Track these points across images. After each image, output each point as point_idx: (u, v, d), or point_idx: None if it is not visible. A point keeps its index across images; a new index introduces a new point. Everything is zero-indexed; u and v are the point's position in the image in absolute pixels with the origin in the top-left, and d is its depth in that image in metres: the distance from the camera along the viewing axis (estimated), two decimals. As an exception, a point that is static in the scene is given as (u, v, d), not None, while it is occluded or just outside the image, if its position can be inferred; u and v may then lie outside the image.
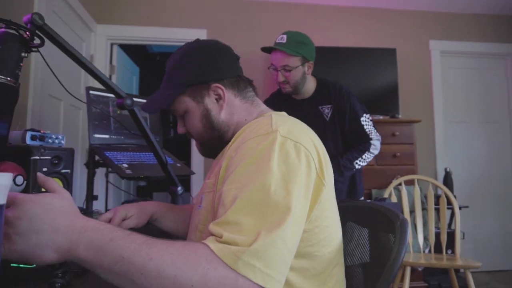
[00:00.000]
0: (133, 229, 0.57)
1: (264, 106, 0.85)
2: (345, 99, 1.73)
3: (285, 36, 1.63)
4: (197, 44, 0.84)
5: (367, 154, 1.71)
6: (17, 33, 0.79)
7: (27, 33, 0.81)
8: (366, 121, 1.74)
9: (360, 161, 1.70)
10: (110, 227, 0.52)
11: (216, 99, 0.80)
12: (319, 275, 0.67)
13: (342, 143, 1.78)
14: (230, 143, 0.69)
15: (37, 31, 0.83)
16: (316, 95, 1.78)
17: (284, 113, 0.81)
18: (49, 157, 1.09)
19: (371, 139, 1.72)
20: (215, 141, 0.82)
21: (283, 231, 0.52)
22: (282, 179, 0.57)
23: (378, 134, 1.76)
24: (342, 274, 0.74)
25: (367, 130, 1.73)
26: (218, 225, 0.54)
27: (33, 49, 0.84)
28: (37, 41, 0.85)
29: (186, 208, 1.07)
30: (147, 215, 0.94)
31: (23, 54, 0.80)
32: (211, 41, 0.85)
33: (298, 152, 0.61)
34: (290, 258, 0.55)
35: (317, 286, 0.66)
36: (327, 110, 1.75)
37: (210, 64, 0.80)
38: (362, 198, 1.90)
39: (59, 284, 0.50)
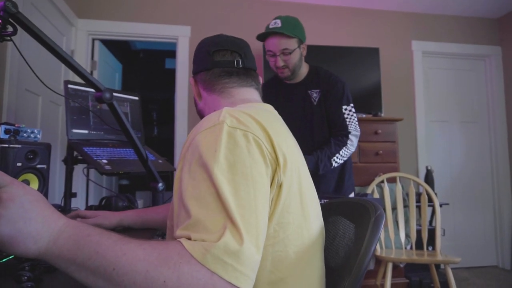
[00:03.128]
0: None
1: (237, 97, 0.84)
2: (333, 83, 1.73)
3: (279, 21, 1.63)
4: (201, 40, 0.93)
5: (345, 150, 1.69)
6: (-12, 20, 0.76)
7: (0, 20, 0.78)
8: (348, 111, 1.72)
9: (337, 157, 1.68)
10: (89, 225, 0.52)
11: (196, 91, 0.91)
12: (286, 279, 0.62)
13: (328, 128, 1.77)
14: (186, 140, 0.67)
15: (10, 19, 0.80)
16: (307, 80, 1.79)
17: (257, 105, 0.80)
18: (18, 146, 1.05)
19: (349, 132, 1.71)
20: None
21: (244, 225, 0.51)
22: (230, 172, 0.55)
23: (359, 130, 1.74)
24: (316, 277, 0.68)
25: (347, 120, 1.72)
26: (184, 229, 0.53)
27: (6, 37, 0.81)
28: (10, 30, 0.82)
29: (159, 211, 1.08)
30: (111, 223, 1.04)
31: (-6, 42, 0.77)
32: (206, 38, 0.92)
33: (248, 141, 0.59)
34: (260, 254, 0.53)
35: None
36: (315, 94, 1.76)
37: (194, 59, 0.92)
38: (352, 194, 1.90)
39: (26, 277, 0.48)
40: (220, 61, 0.85)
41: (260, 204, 0.56)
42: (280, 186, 0.61)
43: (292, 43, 1.64)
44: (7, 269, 0.58)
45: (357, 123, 1.74)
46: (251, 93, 0.86)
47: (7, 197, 0.46)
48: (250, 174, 0.56)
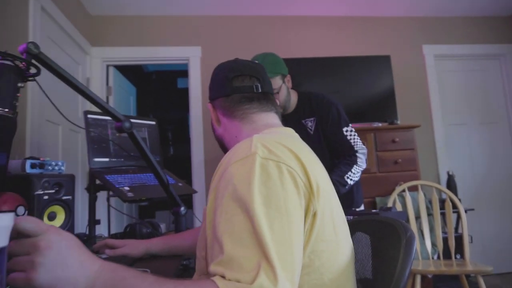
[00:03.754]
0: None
1: (260, 123, 0.83)
2: (327, 108, 1.70)
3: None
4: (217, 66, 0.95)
5: (356, 168, 1.65)
6: (13, 64, 0.79)
7: (23, 63, 0.81)
8: (349, 132, 1.69)
9: (350, 175, 1.63)
10: (124, 267, 0.53)
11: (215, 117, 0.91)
12: None
13: (329, 156, 1.74)
14: (216, 170, 0.67)
15: (32, 60, 0.83)
16: (298, 109, 1.76)
17: (279, 130, 0.80)
18: (52, 191, 1.08)
19: (356, 151, 1.68)
20: (223, 149, 0.93)
21: (280, 265, 0.50)
22: (265, 205, 0.54)
23: (364, 147, 1.70)
24: None
25: (351, 141, 1.68)
26: (218, 265, 0.53)
27: (29, 78, 0.84)
28: (33, 70, 0.85)
29: (186, 237, 1.09)
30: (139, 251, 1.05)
31: (19, 85, 0.80)
32: (225, 62, 0.93)
33: (281, 172, 0.58)
34: (293, 285, 0.53)
35: None
36: (310, 123, 1.73)
37: (211, 85, 0.92)
38: (362, 207, 1.86)
39: None
40: (239, 86, 0.85)
41: (295, 238, 0.55)
42: (314, 214, 0.61)
43: (276, 82, 1.63)
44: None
45: (360, 141, 1.71)
46: (272, 118, 0.85)
47: (45, 245, 0.47)
48: (284, 207, 0.56)
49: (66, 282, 0.47)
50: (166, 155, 4.75)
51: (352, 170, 1.64)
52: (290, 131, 0.82)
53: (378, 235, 0.81)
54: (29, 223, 0.48)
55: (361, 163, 1.67)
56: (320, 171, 0.68)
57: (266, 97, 0.86)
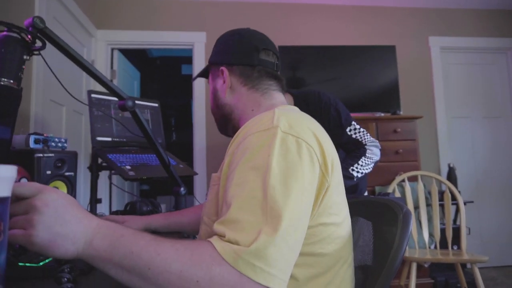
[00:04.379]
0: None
1: (278, 100, 0.84)
2: (325, 111, 1.65)
3: None
4: (233, 30, 0.90)
5: (364, 160, 1.63)
6: (19, 36, 0.80)
7: (29, 36, 0.82)
8: (353, 130, 1.66)
9: (357, 167, 1.61)
10: (121, 226, 0.54)
11: (224, 82, 0.86)
12: (325, 273, 0.66)
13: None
14: (233, 138, 0.69)
15: (38, 34, 0.84)
16: None
17: (295, 107, 0.81)
18: (51, 155, 1.09)
19: (365, 144, 1.65)
20: (222, 120, 0.89)
21: (283, 229, 0.52)
22: (282, 176, 0.56)
23: (374, 140, 1.67)
24: (349, 273, 0.72)
25: (358, 138, 1.65)
26: (221, 224, 0.54)
27: (35, 52, 0.85)
28: (38, 44, 0.86)
29: (186, 214, 1.10)
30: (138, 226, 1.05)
31: (25, 57, 0.81)
32: (243, 29, 0.90)
33: (300, 147, 0.60)
34: (292, 256, 0.54)
35: (323, 284, 0.66)
36: None
37: (228, 49, 0.86)
38: (366, 194, 1.87)
39: (65, 279, 0.50)
40: (265, 60, 0.85)
41: (302, 214, 0.57)
42: (327, 189, 0.64)
43: None
44: (46, 272, 0.61)
45: (369, 135, 1.67)
46: (285, 99, 0.86)
47: (41, 203, 0.48)
48: (300, 181, 0.57)
49: (65, 237, 0.48)
50: (168, 141, 4.77)
51: (360, 162, 1.62)
52: (297, 109, 0.83)
53: (375, 217, 0.83)
54: (25, 186, 0.49)
55: (371, 154, 1.64)
56: (333, 149, 0.70)
57: (281, 79, 0.87)
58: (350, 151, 1.69)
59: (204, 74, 0.96)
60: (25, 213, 0.48)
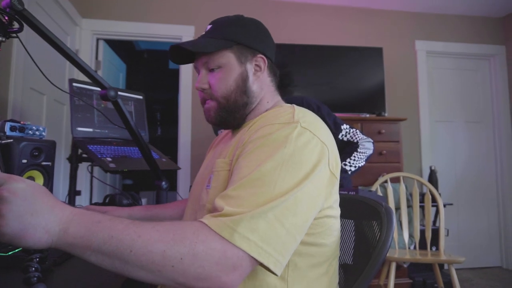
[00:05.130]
0: None
1: (280, 98, 0.88)
2: None
3: None
4: (247, 17, 0.86)
5: (357, 155, 1.68)
6: (-5, 17, 0.76)
7: (6, 17, 0.79)
8: (344, 135, 1.70)
9: (350, 162, 1.66)
10: (96, 212, 0.53)
11: (255, 69, 0.81)
12: (323, 263, 0.70)
13: None
14: (249, 125, 0.73)
15: (16, 16, 0.81)
16: None
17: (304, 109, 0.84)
18: (25, 143, 1.05)
19: (357, 142, 1.70)
20: (239, 107, 0.79)
21: (278, 209, 0.54)
22: (293, 166, 0.59)
23: (367, 137, 1.72)
24: (337, 267, 0.76)
25: (350, 139, 1.70)
26: (221, 198, 0.57)
27: (12, 34, 0.82)
28: (16, 26, 0.82)
29: (168, 206, 1.08)
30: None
31: (0, 38, 0.78)
32: (258, 21, 0.87)
33: (316, 143, 0.64)
34: (290, 240, 0.55)
35: (320, 274, 0.69)
36: None
37: (261, 36, 0.83)
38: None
39: (33, 268, 0.48)
40: (273, 57, 0.87)
41: (309, 201, 0.59)
42: (334, 184, 0.68)
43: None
44: (15, 261, 0.59)
45: (360, 133, 1.71)
46: None
47: (9, 193, 0.46)
48: (311, 173, 0.60)
49: (37, 226, 0.47)
50: (153, 135, 4.71)
51: (352, 157, 1.67)
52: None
53: (356, 216, 0.84)
54: None
55: (364, 149, 1.69)
56: (336, 147, 0.73)
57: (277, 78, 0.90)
58: (343, 150, 1.73)
59: (212, 47, 0.78)
60: None
